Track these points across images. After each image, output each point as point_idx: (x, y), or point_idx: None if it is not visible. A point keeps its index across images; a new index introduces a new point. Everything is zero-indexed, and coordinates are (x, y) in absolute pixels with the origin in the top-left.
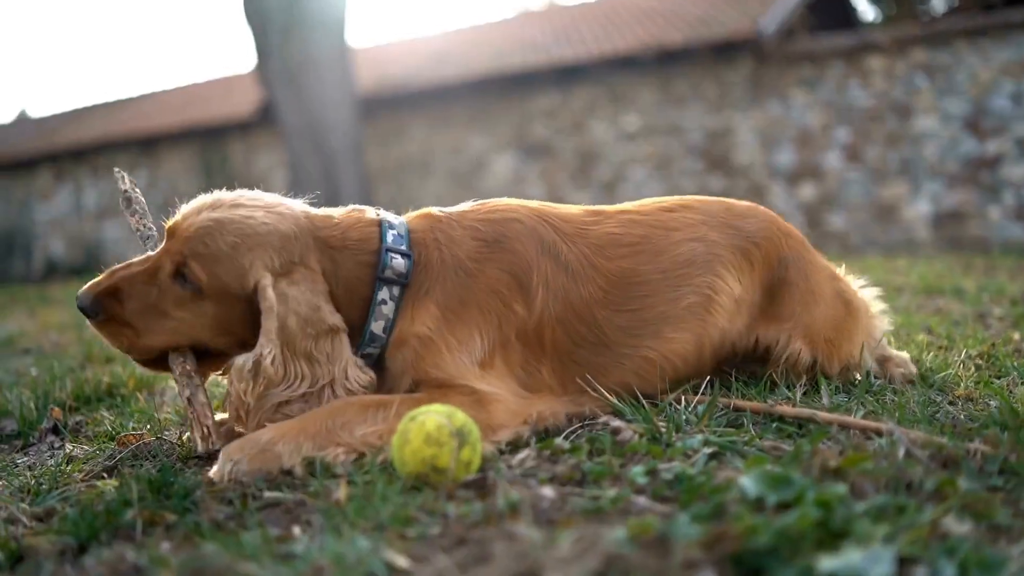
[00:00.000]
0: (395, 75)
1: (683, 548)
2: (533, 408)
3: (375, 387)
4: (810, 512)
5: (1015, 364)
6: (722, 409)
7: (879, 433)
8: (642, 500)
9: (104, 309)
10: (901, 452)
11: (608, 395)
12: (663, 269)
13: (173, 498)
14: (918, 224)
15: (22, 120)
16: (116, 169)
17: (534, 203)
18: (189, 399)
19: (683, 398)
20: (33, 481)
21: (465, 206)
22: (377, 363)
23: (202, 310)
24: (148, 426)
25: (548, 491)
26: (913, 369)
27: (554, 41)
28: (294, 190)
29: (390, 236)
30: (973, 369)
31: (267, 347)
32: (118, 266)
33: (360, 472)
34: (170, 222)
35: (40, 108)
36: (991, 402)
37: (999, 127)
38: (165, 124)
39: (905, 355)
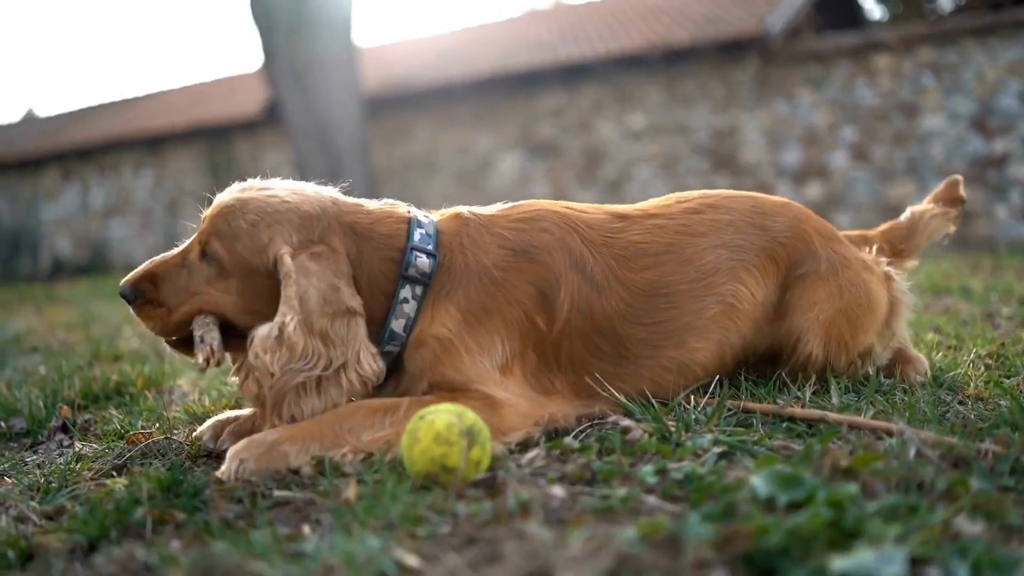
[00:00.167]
0: (401, 74)
1: (694, 548)
2: (545, 410)
3: (382, 379)
4: (821, 512)
5: None
6: (731, 411)
7: (890, 433)
8: (652, 499)
9: (142, 293)
10: (912, 452)
11: (619, 396)
12: (689, 280)
13: (183, 497)
14: None
15: (29, 119)
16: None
17: (560, 206)
18: (202, 337)
19: (692, 398)
20: (43, 479)
21: (495, 208)
22: (395, 363)
23: (227, 287)
24: (157, 424)
25: (558, 490)
26: (927, 373)
27: (560, 40)
28: None
29: (417, 234)
30: (983, 369)
31: (288, 314)
32: (157, 257)
33: (370, 471)
34: (206, 211)
35: (47, 107)
36: (1001, 402)
37: (1006, 126)
38: (171, 123)
39: (924, 361)
